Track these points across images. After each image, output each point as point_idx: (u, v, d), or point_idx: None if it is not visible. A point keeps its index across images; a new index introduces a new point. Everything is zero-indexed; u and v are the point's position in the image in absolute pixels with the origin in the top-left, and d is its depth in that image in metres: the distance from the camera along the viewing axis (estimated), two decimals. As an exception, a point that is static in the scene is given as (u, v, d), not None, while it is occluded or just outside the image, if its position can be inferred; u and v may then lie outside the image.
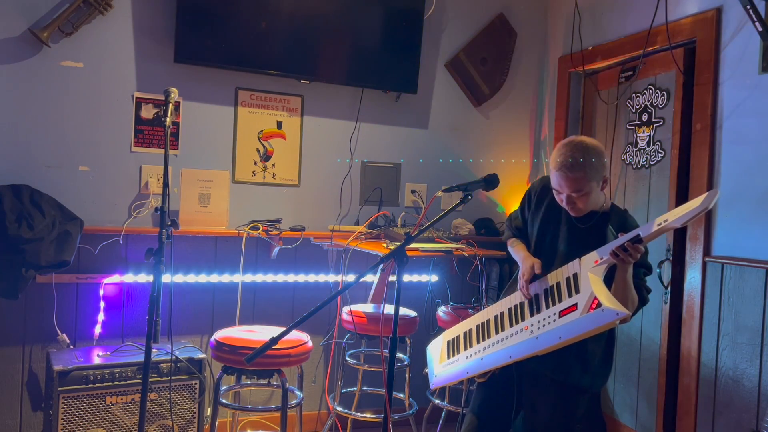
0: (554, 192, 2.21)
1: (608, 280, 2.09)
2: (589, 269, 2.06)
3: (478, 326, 2.35)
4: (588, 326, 1.95)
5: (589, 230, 2.22)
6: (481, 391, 2.39)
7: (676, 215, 1.89)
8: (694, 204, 1.85)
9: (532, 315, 2.15)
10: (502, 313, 2.29)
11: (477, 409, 2.39)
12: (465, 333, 2.39)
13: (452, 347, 2.40)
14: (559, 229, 2.29)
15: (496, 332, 2.24)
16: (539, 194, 2.38)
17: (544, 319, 2.09)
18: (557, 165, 2.14)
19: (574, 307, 2.01)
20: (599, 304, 1.94)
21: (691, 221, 1.87)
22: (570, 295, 2.06)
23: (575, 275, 2.10)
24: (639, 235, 1.97)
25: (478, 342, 2.29)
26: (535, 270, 2.22)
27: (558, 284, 2.14)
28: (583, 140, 2.18)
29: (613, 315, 1.91)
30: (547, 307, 2.12)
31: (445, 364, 2.37)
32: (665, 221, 1.91)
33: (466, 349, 2.32)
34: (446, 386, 2.40)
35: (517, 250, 2.39)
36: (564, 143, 2.18)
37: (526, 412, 2.28)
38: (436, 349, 2.48)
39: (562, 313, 2.04)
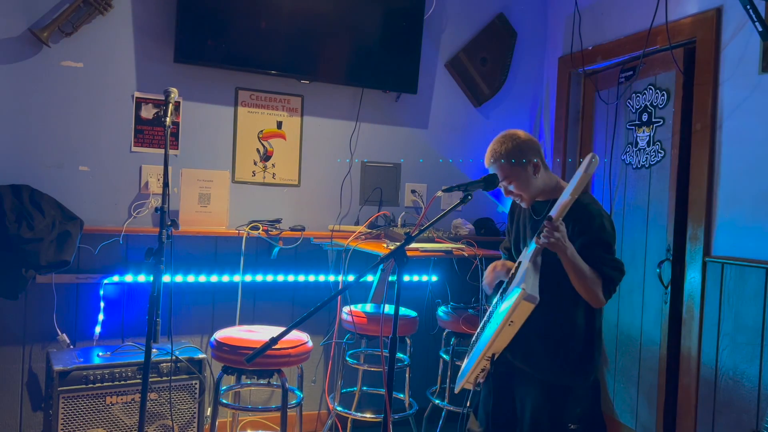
0: None
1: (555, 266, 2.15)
2: (527, 255, 2.15)
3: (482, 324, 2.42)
4: (508, 307, 2.01)
5: (543, 221, 2.25)
6: (485, 387, 2.41)
7: (567, 189, 2.05)
8: (576, 174, 2.00)
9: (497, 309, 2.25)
10: (491, 311, 2.36)
11: (480, 407, 2.42)
12: (476, 334, 2.44)
13: (469, 349, 2.47)
14: (526, 228, 2.37)
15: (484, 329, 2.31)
16: (511, 210, 2.53)
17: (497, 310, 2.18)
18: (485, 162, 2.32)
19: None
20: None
21: (577, 189, 2.02)
22: (514, 283, 2.16)
23: (519, 263, 2.21)
24: (550, 216, 2.06)
25: (476, 340, 2.35)
26: (497, 267, 2.41)
27: (513, 275, 2.24)
28: (505, 132, 2.31)
29: (517, 292, 1.98)
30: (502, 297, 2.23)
31: (463, 364, 2.44)
32: (562, 198, 2.06)
33: (472, 348, 2.38)
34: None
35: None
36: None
37: (518, 410, 2.30)
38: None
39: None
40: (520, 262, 2.25)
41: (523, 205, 2.32)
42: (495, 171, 2.27)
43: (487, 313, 2.36)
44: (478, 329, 2.40)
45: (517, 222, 2.44)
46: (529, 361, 2.22)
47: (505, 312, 2.01)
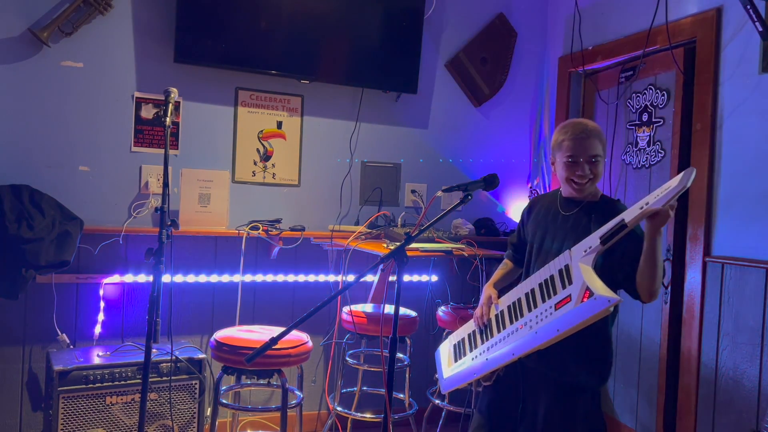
0: (569, 166, 2.21)
1: (601, 268, 2.10)
2: (580, 259, 2.08)
3: (481, 327, 2.37)
4: (583, 316, 1.95)
5: (574, 218, 2.24)
6: (488, 392, 2.39)
7: (656, 197, 1.90)
8: (672, 184, 1.87)
9: (529, 311, 2.17)
10: (502, 312, 2.30)
11: (485, 409, 2.39)
12: (469, 335, 2.40)
13: (458, 350, 2.42)
14: (548, 225, 2.34)
15: (498, 331, 2.25)
16: (530, 205, 2.48)
17: (541, 314, 2.10)
18: (575, 133, 2.20)
19: (569, 298, 2.03)
20: (591, 293, 1.96)
21: (671, 201, 1.88)
22: (563, 287, 2.08)
23: (567, 267, 2.12)
24: (623, 220, 1.99)
25: (482, 342, 2.30)
26: (493, 301, 2.37)
27: (552, 277, 2.16)
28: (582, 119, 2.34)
29: (605, 302, 1.91)
30: (543, 301, 2.13)
31: (453, 367, 2.38)
32: (646, 204, 1.93)
33: (471, 350, 2.33)
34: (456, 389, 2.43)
35: (494, 274, 2.57)
36: (573, 120, 2.30)
37: (528, 410, 2.29)
38: (444, 352, 2.49)
39: (557, 306, 2.05)
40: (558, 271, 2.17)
41: (582, 190, 2.24)
42: (591, 144, 2.18)
43: (498, 317, 2.32)
44: (480, 329, 2.38)
45: (536, 218, 2.40)
46: (546, 361, 2.20)
47: (569, 321, 1.97)
